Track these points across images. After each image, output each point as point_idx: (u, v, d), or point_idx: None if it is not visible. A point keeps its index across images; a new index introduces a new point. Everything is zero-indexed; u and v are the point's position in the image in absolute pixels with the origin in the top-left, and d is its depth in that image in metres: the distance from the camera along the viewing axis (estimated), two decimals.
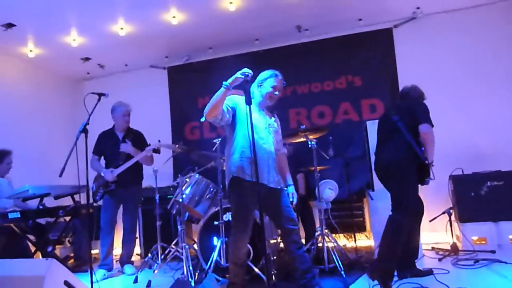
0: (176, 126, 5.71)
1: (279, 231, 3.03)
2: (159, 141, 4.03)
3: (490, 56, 4.65)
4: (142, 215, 4.94)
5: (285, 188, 2.92)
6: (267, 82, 2.84)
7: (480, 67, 4.63)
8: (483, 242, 3.98)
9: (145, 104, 5.74)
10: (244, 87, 2.57)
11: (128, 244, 4.22)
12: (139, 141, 4.24)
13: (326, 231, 3.59)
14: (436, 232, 4.34)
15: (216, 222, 3.39)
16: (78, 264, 4.39)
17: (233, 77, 2.58)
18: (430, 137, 2.94)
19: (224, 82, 2.58)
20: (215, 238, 3.44)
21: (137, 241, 4.96)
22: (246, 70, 2.56)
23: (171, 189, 4.92)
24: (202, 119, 2.80)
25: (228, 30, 4.95)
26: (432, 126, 2.97)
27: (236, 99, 2.81)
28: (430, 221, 4.05)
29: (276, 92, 2.85)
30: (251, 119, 2.48)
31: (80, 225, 4.56)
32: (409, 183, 2.97)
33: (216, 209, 3.54)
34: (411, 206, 2.94)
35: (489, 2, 4.62)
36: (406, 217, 2.92)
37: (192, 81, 5.68)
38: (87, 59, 5.41)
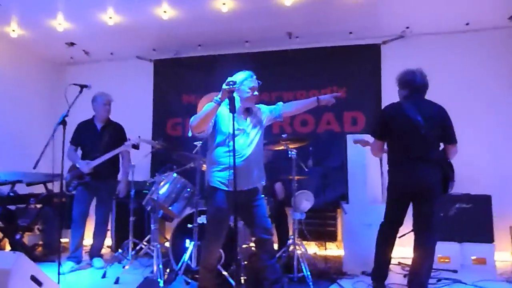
0: (158, 120, 5.67)
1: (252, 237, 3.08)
2: (139, 136, 4.01)
3: (473, 83, 4.81)
4: (115, 207, 4.92)
5: (263, 196, 2.97)
6: (244, 84, 2.81)
7: (462, 92, 4.77)
8: (446, 260, 4.13)
9: (128, 95, 5.67)
10: (228, 96, 2.59)
11: (99, 236, 4.19)
12: (118, 134, 4.20)
13: (298, 241, 3.65)
14: (403, 247, 4.47)
15: (190, 225, 3.39)
16: (46, 253, 4.34)
17: (221, 91, 2.59)
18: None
19: (215, 98, 2.61)
20: (187, 241, 3.44)
21: (109, 233, 4.95)
22: (230, 79, 2.58)
23: (148, 184, 4.87)
24: (189, 134, 2.80)
25: (219, 30, 4.94)
26: None
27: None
28: (400, 237, 4.16)
29: (255, 93, 2.85)
30: (233, 128, 2.52)
31: (51, 214, 4.51)
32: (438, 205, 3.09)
33: (192, 211, 3.56)
34: None
35: (477, 29, 4.75)
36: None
37: (178, 76, 5.64)
38: (72, 44, 5.30)
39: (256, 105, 2.99)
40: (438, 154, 2.97)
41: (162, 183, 3.84)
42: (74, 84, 3.12)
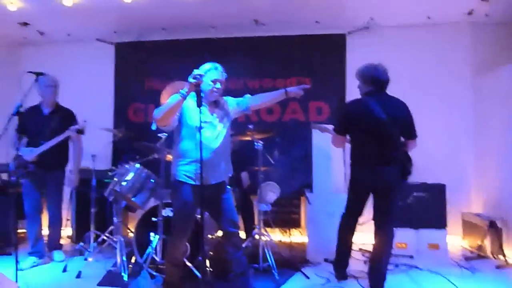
0: (119, 105, 5.50)
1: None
2: (84, 121, 3.81)
3: (432, 76, 4.98)
4: (76, 197, 4.76)
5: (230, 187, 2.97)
6: (206, 76, 2.72)
7: (422, 85, 4.94)
8: (403, 246, 4.35)
9: (87, 79, 5.50)
10: (195, 90, 2.54)
11: (54, 228, 4.00)
12: (68, 119, 3.90)
13: (264, 231, 3.71)
14: (364, 233, 4.66)
15: (154, 219, 3.34)
16: (2, 245, 4.15)
17: (187, 83, 2.52)
18: None
19: (180, 91, 2.54)
20: (152, 234, 3.40)
21: (69, 222, 4.82)
22: (196, 72, 2.52)
23: (109, 173, 4.76)
24: (153, 127, 2.72)
25: (184, 14, 4.80)
26: None
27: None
28: (361, 224, 4.33)
29: (218, 85, 2.77)
30: (200, 122, 2.49)
31: (5, 204, 4.29)
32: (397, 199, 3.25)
33: (156, 203, 3.51)
34: None
35: (438, 23, 4.90)
36: None
37: (141, 60, 5.46)
38: (25, 24, 4.97)
39: (223, 98, 2.95)
40: (399, 151, 3.07)
41: (124, 174, 3.76)
42: (29, 72, 2.94)
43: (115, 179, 3.81)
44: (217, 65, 2.81)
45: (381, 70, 3.12)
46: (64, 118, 3.90)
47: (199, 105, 2.47)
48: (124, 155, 4.20)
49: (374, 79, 3.10)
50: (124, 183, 3.67)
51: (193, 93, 2.60)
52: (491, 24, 4.85)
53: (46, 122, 3.83)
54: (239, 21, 5.00)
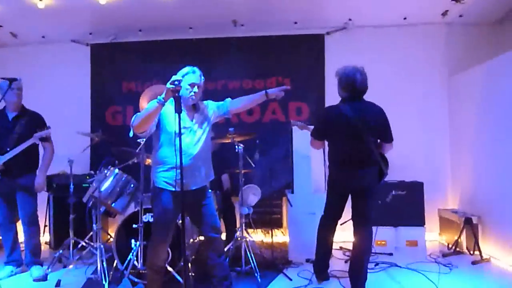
0: (97, 109, 5.41)
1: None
2: (48, 127, 3.64)
3: (408, 76, 5.09)
4: (53, 203, 4.69)
5: (210, 191, 2.96)
6: (184, 80, 2.69)
7: (398, 85, 5.05)
8: (383, 243, 4.44)
9: (62, 82, 5.39)
10: (173, 96, 2.51)
11: (30, 240, 3.74)
12: (35, 123, 3.68)
13: (246, 234, 3.73)
14: (344, 231, 4.73)
15: (135, 225, 3.32)
16: None
17: (165, 90, 2.50)
18: None
19: (158, 97, 2.51)
20: (133, 240, 3.37)
21: (47, 229, 4.74)
22: (174, 77, 2.48)
23: (87, 177, 4.70)
24: (131, 134, 2.69)
25: (160, 15, 4.75)
26: None
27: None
28: (341, 224, 4.40)
29: (195, 89, 2.75)
30: (180, 128, 2.41)
31: None
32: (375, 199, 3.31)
33: (136, 209, 3.48)
34: None
35: (414, 23, 5.01)
36: None
37: (117, 62, 5.38)
38: None
39: (203, 102, 2.94)
40: (375, 154, 3.12)
41: (104, 179, 3.71)
42: (2, 78, 2.86)
43: (93, 184, 3.76)
44: (195, 68, 2.79)
45: (359, 80, 3.11)
46: (31, 122, 3.70)
47: (177, 111, 2.43)
48: (102, 159, 4.14)
49: (352, 88, 3.12)
50: (103, 189, 3.64)
51: (171, 99, 2.58)
52: (465, 25, 4.99)
53: (10, 128, 3.64)
54: (218, 21, 4.98)
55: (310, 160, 4.29)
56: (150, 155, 3.74)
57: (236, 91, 5.22)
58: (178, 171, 2.47)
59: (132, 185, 3.76)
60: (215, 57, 5.22)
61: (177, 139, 2.37)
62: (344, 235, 4.37)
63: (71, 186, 4.04)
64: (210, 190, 2.97)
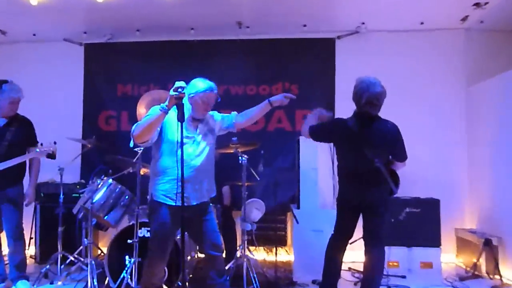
0: (89, 113, 5.43)
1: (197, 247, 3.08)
2: (54, 142, 3.61)
3: (423, 83, 5.11)
4: (40, 213, 4.69)
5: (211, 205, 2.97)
6: (199, 96, 2.76)
7: (412, 92, 5.08)
8: (395, 264, 4.43)
9: (53, 83, 5.42)
10: (176, 103, 2.52)
11: (14, 255, 3.71)
12: (25, 131, 3.75)
13: (248, 252, 3.73)
14: (353, 251, 4.72)
15: (130, 241, 3.32)
16: None
17: (168, 97, 2.52)
18: None
19: (162, 105, 2.54)
20: (127, 257, 3.38)
21: (32, 241, 4.72)
22: (178, 84, 2.49)
23: (78, 186, 4.73)
24: (131, 145, 2.71)
25: (160, 14, 4.79)
26: None
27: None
28: (351, 243, 4.39)
29: (208, 108, 2.83)
30: (182, 138, 2.43)
31: None
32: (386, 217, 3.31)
33: (131, 223, 3.48)
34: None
35: (431, 28, 5.05)
36: None
37: (112, 64, 5.43)
38: None
39: (209, 112, 2.95)
40: (385, 174, 3.12)
41: (96, 190, 3.72)
42: None
43: (85, 194, 3.77)
44: (213, 85, 2.82)
45: (373, 94, 3.06)
46: (21, 128, 3.73)
47: (180, 119, 2.44)
48: (94, 168, 4.16)
49: (362, 102, 3.10)
50: (95, 200, 3.65)
51: (175, 107, 2.60)
52: (486, 31, 5.03)
53: (1, 135, 3.65)
54: (221, 22, 5.02)
55: (318, 173, 4.31)
56: (148, 164, 3.79)
57: (239, 97, 5.26)
58: (179, 183, 2.48)
59: (127, 197, 3.76)
60: (217, 61, 5.26)
61: (179, 149, 2.39)
62: (353, 255, 4.34)
63: (61, 196, 4.05)
64: (210, 204, 2.98)
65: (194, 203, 2.78)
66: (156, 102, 3.69)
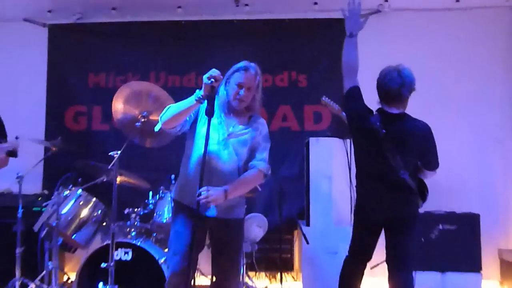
0: (54, 108, 5.43)
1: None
2: (16, 137, 3.57)
3: (461, 72, 5.11)
4: None
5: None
6: (232, 78, 2.76)
7: (447, 83, 5.07)
8: None
9: (10, 72, 5.42)
10: (208, 94, 2.54)
11: None
12: None
13: (247, 279, 3.72)
14: (375, 277, 4.71)
15: (104, 265, 3.31)
16: None
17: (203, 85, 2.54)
18: None
19: (197, 92, 2.58)
20: (100, 285, 3.38)
21: None
22: (212, 72, 2.53)
23: (40, 198, 4.71)
24: (157, 128, 2.79)
25: None
26: None
27: None
28: (372, 268, 4.38)
29: (241, 92, 2.75)
30: (208, 134, 2.50)
31: None
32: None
33: (105, 243, 3.47)
34: None
35: (469, 7, 5.06)
36: None
37: (83, 49, 5.45)
38: None
39: (261, 120, 2.99)
40: (410, 183, 3.09)
41: (62, 202, 3.71)
42: None
43: (49, 208, 3.77)
44: (250, 65, 2.80)
45: (397, 84, 3.02)
46: None
47: (208, 113, 2.51)
48: (61, 176, 4.13)
49: (385, 95, 3.09)
50: (61, 215, 3.63)
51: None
52: None
53: None
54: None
55: (332, 181, 4.29)
56: (124, 171, 3.78)
57: None
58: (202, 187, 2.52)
59: (99, 211, 3.77)
60: (210, 45, 5.25)
61: (204, 147, 2.47)
62: (375, 281, 4.36)
63: (20, 210, 4.02)
64: None
65: (220, 217, 2.77)
66: (136, 95, 3.70)
